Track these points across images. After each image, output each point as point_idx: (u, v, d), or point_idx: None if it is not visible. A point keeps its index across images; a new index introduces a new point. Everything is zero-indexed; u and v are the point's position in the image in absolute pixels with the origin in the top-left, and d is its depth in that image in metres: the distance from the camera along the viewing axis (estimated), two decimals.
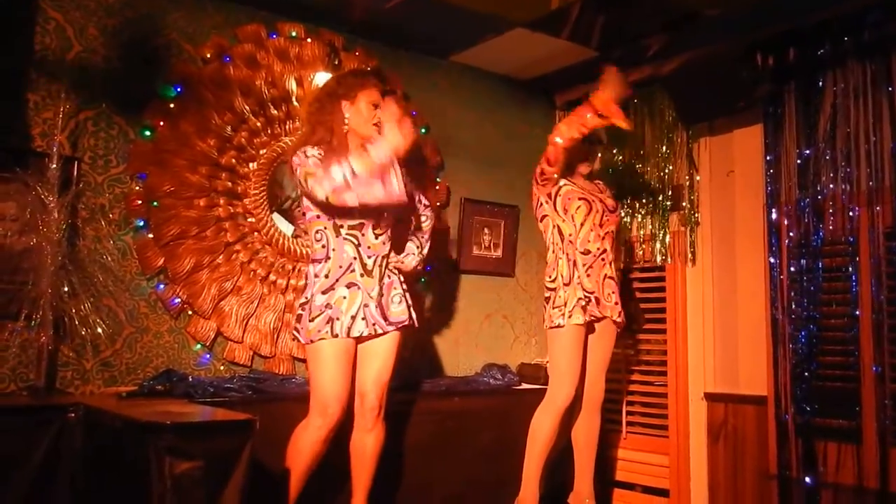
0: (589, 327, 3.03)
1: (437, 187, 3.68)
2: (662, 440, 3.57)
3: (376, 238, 2.56)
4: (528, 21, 3.25)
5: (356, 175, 2.29)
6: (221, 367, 3.02)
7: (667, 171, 3.64)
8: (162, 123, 2.93)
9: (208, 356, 3.00)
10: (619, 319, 3.02)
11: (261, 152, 3.14)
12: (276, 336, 3.13)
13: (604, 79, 2.82)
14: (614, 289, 3.03)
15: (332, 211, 2.45)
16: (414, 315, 2.65)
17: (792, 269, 3.05)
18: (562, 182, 3.03)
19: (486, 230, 3.87)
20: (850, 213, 2.93)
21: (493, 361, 3.72)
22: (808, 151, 3.04)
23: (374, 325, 2.50)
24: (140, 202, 2.88)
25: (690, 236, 3.57)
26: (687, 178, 3.60)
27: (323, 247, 2.53)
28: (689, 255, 3.57)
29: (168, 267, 2.91)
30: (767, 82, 3.10)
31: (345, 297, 2.49)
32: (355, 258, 2.52)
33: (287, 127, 3.20)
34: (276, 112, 3.18)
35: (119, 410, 2.23)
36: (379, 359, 2.57)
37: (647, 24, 3.27)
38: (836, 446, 2.91)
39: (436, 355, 3.66)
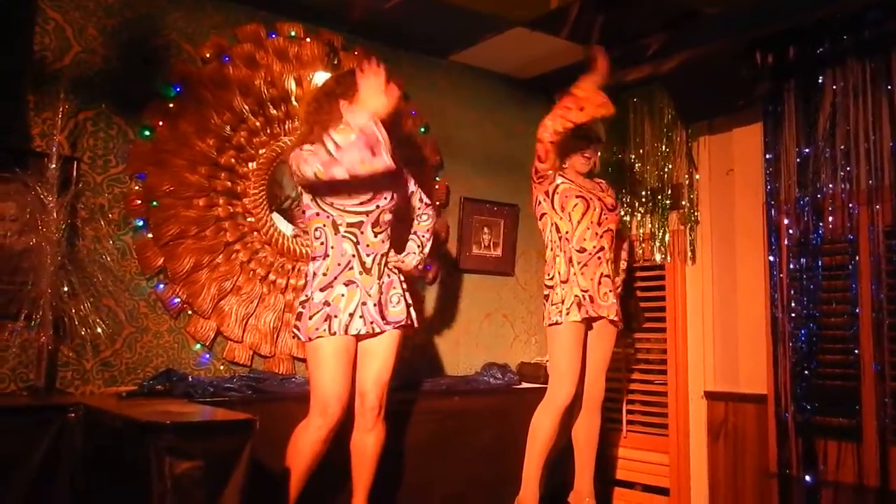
0: (589, 326, 3.03)
1: (437, 186, 3.68)
2: (662, 439, 3.58)
3: (375, 236, 2.56)
4: (527, 20, 3.25)
5: (341, 147, 2.28)
6: (221, 367, 3.03)
7: (666, 169, 3.65)
8: (161, 123, 2.93)
9: (208, 356, 3.00)
10: (614, 318, 3.01)
11: (260, 152, 3.14)
12: (275, 336, 3.13)
13: (592, 61, 2.79)
14: (611, 288, 3.02)
15: (326, 190, 2.44)
16: (414, 315, 2.65)
17: (792, 267, 3.05)
18: (559, 180, 3.03)
19: (485, 229, 3.87)
20: (850, 212, 2.93)
21: (493, 360, 3.73)
22: (807, 150, 3.04)
23: (371, 323, 2.50)
24: (139, 202, 2.88)
25: (690, 235, 3.57)
26: (686, 176, 3.60)
27: (322, 244, 2.53)
28: (689, 254, 3.57)
29: (168, 267, 2.91)
30: (767, 80, 3.10)
31: (343, 295, 2.49)
32: (354, 256, 2.52)
33: (286, 126, 3.20)
34: (275, 112, 3.18)
35: (119, 410, 2.23)
36: (379, 358, 2.57)
37: (647, 23, 3.26)
38: (837, 444, 2.91)
39: (436, 354, 3.66)
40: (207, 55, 3.05)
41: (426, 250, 2.79)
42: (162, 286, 2.91)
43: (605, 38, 3.42)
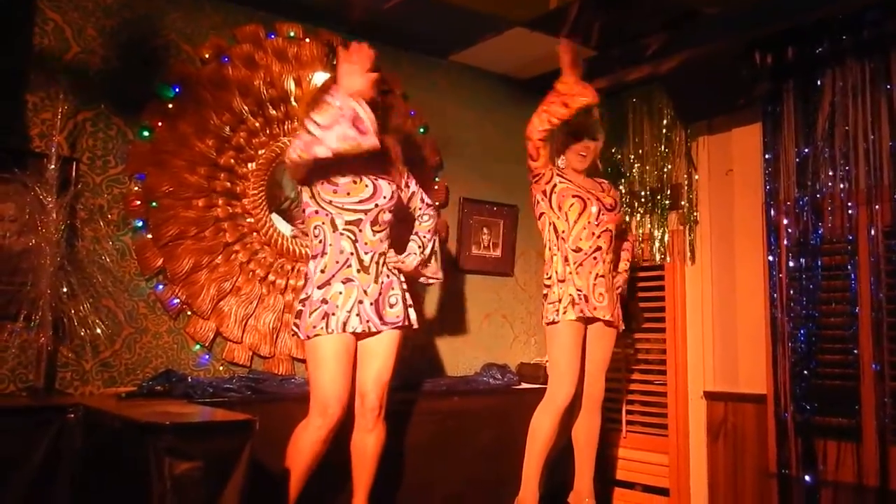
0: (588, 325, 3.03)
1: (436, 187, 3.68)
2: (662, 439, 3.58)
3: (374, 235, 2.56)
4: (527, 20, 3.25)
5: (322, 125, 2.27)
6: (220, 368, 3.02)
7: (666, 169, 3.65)
8: (160, 124, 2.92)
9: (207, 356, 3.00)
10: (607, 318, 2.98)
11: (259, 152, 3.14)
12: (275, 336, 3.13)
13: (560, 55, 2.79)
14: (607, 288, 3.00)
15: (315, 175, 2.43)
16: (413, 316, 2.65)
17: (791, 267, 3.06)
18: (557, 179, 3.04)
19: (485, 230, 3.87)
20: (849, 212, 2.93)
21: (493, 361, 3.73)
22: (806, 150, 3.04)
23: (367, 322, 2.50)
24: (139, 203, 2.87)
25: (689, 235, 3.57)
26: (686, 176, 3.60)
27: (320, 242, 2.54)
28: (689, 254, 3.57)
29: (167, 267, 2.91)
30: (766, 81, 3.10)
31: (340, 293, 2.49)
32: (352, 254, 2.52)
33: (286, 127, 3.20)
34: (274, 112, 3.18)
35: (118, 411, 2.22)
36: (379, 359, 2.57)
37: (646, 23, 3.27)
38: (836, 444, 2.91)
39: (436, 355, 3.66)
40: (206, 56, 3.05)
41: (427, 251, 2.77)
42: (161, 287, 2.91)
43: (604, 38, 3.43)
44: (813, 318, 2.98)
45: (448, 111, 3.78)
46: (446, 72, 3.79)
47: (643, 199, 3.72)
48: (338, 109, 2.27)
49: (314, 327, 2.46)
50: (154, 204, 2.89)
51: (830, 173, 2.98)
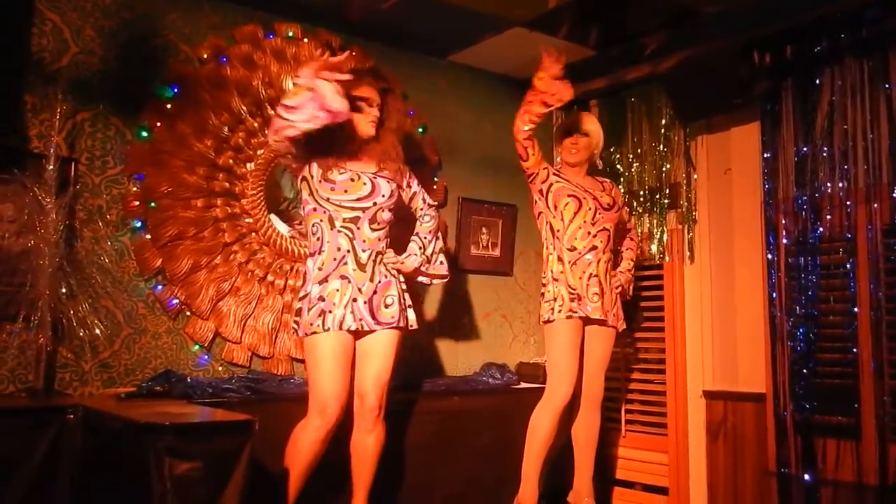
0: (586, 324, 3.03)
1: (435, 187, 3.68)
2: (661, 438, 3.58)
3: (372, 233, 2.56)
4: (526, 20, 3.26)
5: (290, 107, 2.30)
6: (220, 368, 3.02)
7: (664, 169, 3.65)
8: (159, 124, 2.92)
9: (207, 357, 3.00)
10: (600, 318, 2.96)
11: (258, 153, 3.14)
12: (274, 336, 3.12)
13: (544, 58, 2.80)
14: (603, 288, 3.00)
15: (293, 153, 2.46)
16: (412, 317, 2.65)
17: (790, 266, 3.06)
18: (553, 178, 3.04)
19: (484, 229, 3.88)
20: (848, 211, 2.93)
21: (492, 361, 3.72)
22: (805, 149, 3.05)
23: (360, 320, 2.50)
24: (138, 203, 2.87)
25: (688, 234, 3.57)
26: (684, 176, 3.60)
27: (318, 239, 2.55)
28: (688, 254, 3.57)
29: (166, 268, 2.90)
30: (765, 80, 3.11)
31: (337, 290, 2.50)
32: (349, 251, 2.52)
33: None
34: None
35: (118, 411, 2.22)
36: (378, 359, 2.57)
37: (645, 23, 3.27)
38: (836, 443, 2.91)
39: (435, 355, 3.66)
40: (205, 56, 3.05)
41: (428, 252, 2.76)
42: (160, 287, 2.91)
43: (603, 38, 3.43)
44: (812, 317, 2.99)
45: (447, 111, 3.78)
46: (445, 72, 3.79)
47: (642, 199, 3.72)
48: (305, 89, 2.29)
49: (311, 324, 2.47)
50: (153, 204, 2.89)
51: (829, 172, 2.98)
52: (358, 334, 2.56)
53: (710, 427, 3.43)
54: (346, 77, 2.38)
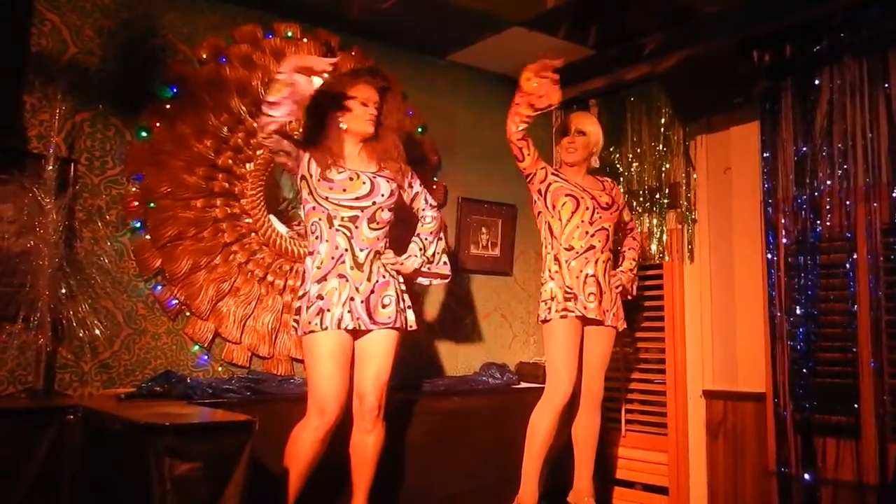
0: (586, 324, 3.03)
1: (435, 186, 3.68)
2: (662, 438, 3.58)
3: (371, 232, 2.56)
4: (525, 20, 3.26)
5: (272, 104, 2.35)
6: (220, 368, 3.02)
7: (664, 168, 3.65)
8: (158, 124, 2.92)
9: (206, 357, 3.00)
10: (596, 318, 2.96)
11: (258, 153, 3.14)
12: (274, 337, 3.12)
13: (544, 61, 2.81)
14: (601, 287, 2.99)
15: (285, 150, 2.49)
16: (411, 318, 2.65)
17: (790, 265, 3.06)
18: (551, 178, 3.05)
19: (483, 229, 3.87)
20: (848, 210, 2.93)
21: (492, 360, 3.72)
22: (804, 148, 3.05)
23: (357, 319, 2.50)
24: (137, 203, 2.87)
25: (688, 234, 3.58)
26: (684, 175, 3.60)
27: (317, 238, 2.55)
28: (687, 253, 3.57)
29: (165, 268, 2.90)
30: (764, 79, 3.11)
31: (335, 289, 2.50)
32: (347, 250, 2.53)
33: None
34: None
35: (118, 412, 2.22)
36: (377, 359, 2.57)
37: (644, 22, 3.27)
38: (835, 442, 2.91)
39: (435, 355, 3.66)
40: (204, 56, 3.05)
41: (429, 253, 2.75)
42: (160, 287, 2.90)
43: (602, 37, 3.43)
44: (812, 317, 2.99)
45: (447, 111, 3.78)
46: (445, 71, 3.79)
47: (641, 198, 3.72)
48: (285, 85, 2.33)
49: (309, 323, 2.47)
50: (152, 205, 2.89)
51: (829, 171, 2.98)
52: (357, 334, 2.56)
53: (710, 427, 3.43)
54: (327, 67, 2.40)
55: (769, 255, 3.13)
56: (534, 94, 2.78)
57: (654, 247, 3.66)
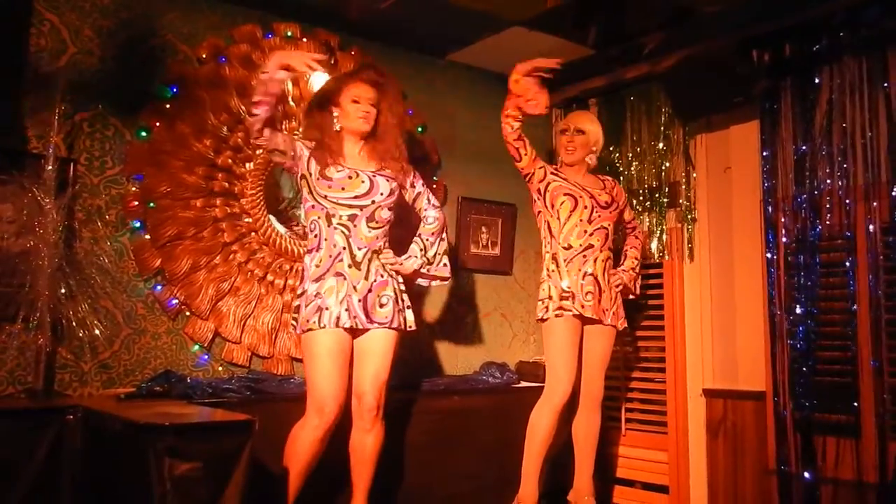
0: (586, 323, 3.03)
1: (435, 186, 3.68)
2: (662, 437, 3.58)
3: (370, 231, 2.56)
4: (524, 20, 3.25)
5: (255, 103, 2.40)
6: (220, 368, 3.02)
7: (664, 167, 3.65)
8: (158, 124, 2.92)
9: (206, 357, 3.00)
10: (591, 316, 2.95)
11: (257, 152, 3.13)
12: (274, 336, 3.12)
13: (540, 62, 2.83)
14: (599, 286, 2.99)
15: (280, 149, 2.52)
16: (410, 318, 2.65)
17: (789, 264, 3.06)
18: (550, 177, 3.05)
19: (483, 228, 3.87)
20: (847, 209, 2.93)
21: (492, 360, 3.72)
22: (804, 147, 3.05)
23: (354, 318, 2.50)
24: (137, 203, 2.87)
25: (688, 233, 3.58)
26: (684, 174, 3.60)
27: (316, 236, 2.56)
28: (687, 252, 3.57)
29: (165, 268, 2.90)
30: (764, 78, 3.11)
31: (333, 287, 2.50)
32: (345, 248, 2.53)
33: (283, 127, 3.19)
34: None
35: (118, 412, 2.22)
36: (375, 358, 2.57)
37: (644, 22, 3.27)
38: (835, 441, 2.92)
39: (434, 354, 3.66)
40: (204, 56, 3.05)
41: (430, 254, 2.73)
42: (160, 287, 2.90)
43: (602, 37, 3.43)
44: (811, 315, 2.99)
45: (446, 110, 3.78)
46: (444, 71, 3.79)
47: (641, 197, 3.72)
48: (262, 82, 2.38)
49: (307, 321, 2.47)
50: (152, 204, 2.89)
51: (828, 170, 2.98)
52: (356, 333, 2.56)
53: (710, 425, 3.43)
54: (312, 65, 2.43)
55: (769, 254, 3.13)
56: (522, 95, 2.79)
57: (654, 246, 3.66)
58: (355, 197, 2.55)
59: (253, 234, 3.12)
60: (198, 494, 1.92)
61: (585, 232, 3.01)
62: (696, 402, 3.49)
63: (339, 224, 2.54)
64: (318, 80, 3.21)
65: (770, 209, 3.14)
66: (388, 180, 2.63)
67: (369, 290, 2.54)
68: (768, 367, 3.10)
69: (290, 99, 3.21)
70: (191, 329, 2.96)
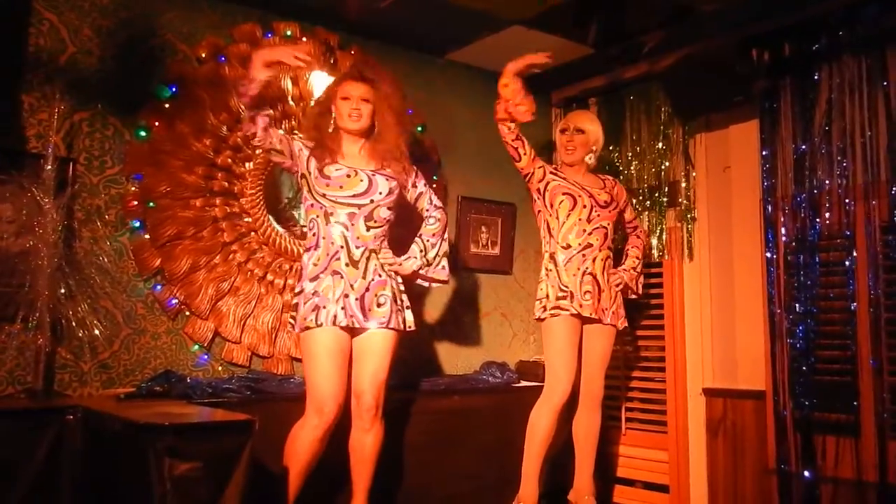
0: (586, 323, 3.03)
1: (434, 185, 3.67)
2: (662, 436, 3.58)
3: (368, 230, 2.56)
4: (524, 19, 3.25)
5: (247, 110, 2.47)
6: (220, 368, 3.02)
7: (663, 166, 3.65)
8: (157, 124, 2.92)
9: (206, 357, 3.00)
10: (589, 315, 2.95)
11: (257, 152, 3.13)
12: (273, 336, 3.12)
13: (530, 58, 2.83)
14: (598, 286, 2.99)
15: (276, 148, 2.54)
16: (409, 318, 2.64)
17: (789, 263, 3.06)
18: (549, 177, 3.05)
19: (483, 228, 3.87)
20: (847, 208, 2.93)
21: (492, 359, 3.72)
22: (804, 146, 3.05)
23: (351, 317, 2.50)
24: (136, 203, 2.87)
25: (687, 232, 3.58)
26: (683, 173, 3.60)
27: (314, 235, 2.57)
28: (686, 251, 3.57)
29: (165, 268, 2.90)
30: (763, 77, 3.11)
31: (330, 286, 2.50)
32: (342, 247, 2.53)
33: (283, 126, 3.19)
34: (271, 111, 3.16)
35: (118, 412, 2.22)
36: (374, 357, 2.56)
37: (643, 21, 3.27)
38: (835, 440, 2.92)
39: (434, 354, 3.66)
40: (203, 55, 3.05)
41: (430, 255, 2.72)
42: (159, 287, 2.90)
43: (601, 36, 3.43)
44: (811, 315, 2.99)
45: (446, 110, 3.78)
46: (443, 70, 3.79)
47: (641, 197, 3.72)
48: (246, 87, 2.41)
49: (305, 319, 2.47)
50: (151, 204, 2.89)
51: (828, 169, 2.98)
52: (354, 332, 2.56)
53: (710, 424, 3.43)
54: (300, 59, 2.44)
55: (768, 254, 3.13)
56: (510, 100, 2.80)
57: (653, 245, 3.66)
58: (353, 195, 2.55)
59: (253, 233, 3.12)
60: (198, 494, 1.91)
61: (584, 231, 3.01)
62: (696, 401, 3.49)
63: (337, 222, 2.54)
64: (318, 79, 3.22)
65: (769, 208, 3.14)
66: (387, 179, 2.62)
67: (367, 290, 2.54)
68: (768, 367, 3.11)
69: (289, 98, 3.21)
70: (190, 329, 2.96)
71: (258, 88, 2.41)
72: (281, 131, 2.63)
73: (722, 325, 3.45)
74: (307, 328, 2.48)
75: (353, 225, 2.54)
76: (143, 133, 2.89)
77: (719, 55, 3.24)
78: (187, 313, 2.95)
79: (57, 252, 2.58)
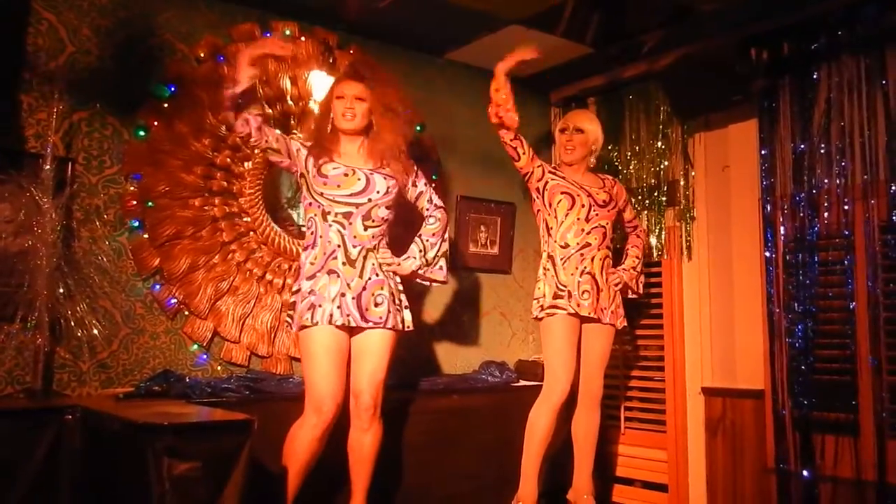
0: (585, 322, 3.03)
1: (434, 185, 3.67)
2: (661, 435, 3.58)
3: (365, 230, 2.56)
4: (523, 18, 3.25)
5: (237, 116, 2.51)
6: (219, 368, 3.02)
7: (662, 166, 3.65)
8: (156, 123, 2.92)
9: (205, 356, 3.00)
10: (587, 314, 2.95)
11: (256, 151, 3.13)
12: (272, 336, 3.12)
13: (521, 53, 2.86)
14: (597, 285, 2.99)
15: (273, 147, 2.55)
16: (407, 318, 2.64)
17: (788, 263, 3.06)
18: (548, 176, 3.05)
19: (482, 227, 3.87)
20: (846, 207, 2.93)
21: (491, 358, 3.72)
22: (802, 145, 3.05)
23: (348, 316, 2.50)
24: (135, 203, 2.87)
25: (686, 231, 3.58)
26: (682, 173, 3.60)
27: (312, 234, 2.57)
28: (685, 251, 3.58)
29: (164, 267, 2.90)
30: (762, 77, 3.11)
31: (326, 285, 2.50)
32: (339, 246, 2.53)
33: (282, 126, 3.19)
34: (270, 111, 3.17)
35: (117, 412, 2.22)
36: (372, 357, 2.57)
37: (643, 20, 3.27)
38: (834, 439, 2.92)
39: (433, 353, 3.66)
40: (202, 55, 3.04)
41: (430, 255, 2.71)
42: (158, 287, 2.90)
43: (600, 36, 3.43)
44: (810, 314, 2.99)
45: (445, 109, 3.78)
46: (442, 70, 3.79)
47: (640, 196, 3.72)
48: (232, 89, 2.45)
49: (302, 318, 2.48)
50: (150, 204, 2.88)
51: (827, 169, 2.99)
52: (353, 332, 2.56)
53: (708, 424, 3.44)
54: (286, 49, 2.51)
55: (767, 253, 3.13)
56: (501, 105, 2.81)
57: (652, 244, 3.67)
58: (351, 194, 2.55)
59: (251, 233, 3.12)
60: (197, 494, 1.91)
61: (583, 230, 3.01)
62: (695, 400, 3.50)
63: (334, 221, 2.54)
64: (318, 79, 3.22)
65: (768, 208, 3.14)
66: (385, 178, 2.62)
67: (364, 289, 2.54)
68: (767, 366, 3.11)
69: (288, 98, 3.21)
70: (189, 328, 2.96)
71: (242, 88, 2.44)
72: (277, 131, 2.63)
73: (721, 325, 3.45)
74: (304, 327, 2.48)
75: (350, 224, 2.55)
76: (141, 133, 2.89)
77: (718, 55, 3.24)
78: (186, 313, 2.95)
79: (56, 252, 2.58)
